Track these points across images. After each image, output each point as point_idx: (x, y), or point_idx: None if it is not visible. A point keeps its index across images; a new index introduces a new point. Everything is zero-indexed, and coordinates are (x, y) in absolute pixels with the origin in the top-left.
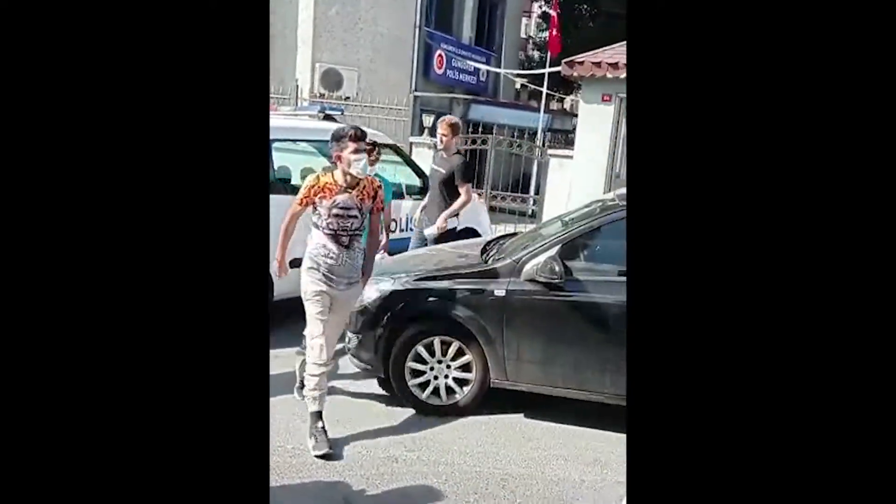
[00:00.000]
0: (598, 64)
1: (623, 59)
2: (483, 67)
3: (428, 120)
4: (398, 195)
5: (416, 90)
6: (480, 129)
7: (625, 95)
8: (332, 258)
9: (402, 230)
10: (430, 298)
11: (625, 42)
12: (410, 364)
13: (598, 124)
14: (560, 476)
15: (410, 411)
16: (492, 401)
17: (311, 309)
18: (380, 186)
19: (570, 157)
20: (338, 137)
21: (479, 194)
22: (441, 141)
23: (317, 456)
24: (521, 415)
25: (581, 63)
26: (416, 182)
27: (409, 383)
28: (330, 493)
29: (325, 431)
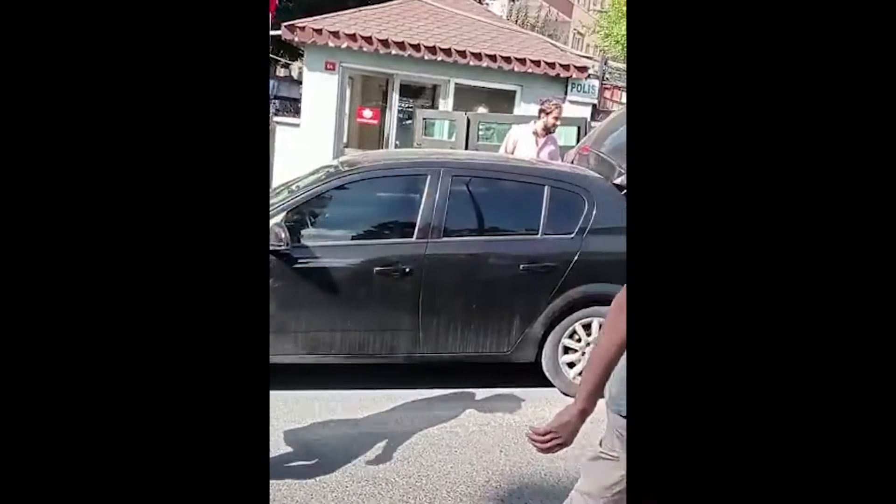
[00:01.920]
0: (318, 31)
1: (344, 28)
2: None
3: None
4: None
5: None
6: None
7: (348, 64)
8: None
9: None
10: None
11: (347, 9)
12: None
13: (324, 92)
14: (323, 433)
15: None
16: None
17: None
18: None
19: (298, 125)
20: None
21: None
22: None
23: None
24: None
25: (302, 28)
26: None
27: None
28: None
29: None
